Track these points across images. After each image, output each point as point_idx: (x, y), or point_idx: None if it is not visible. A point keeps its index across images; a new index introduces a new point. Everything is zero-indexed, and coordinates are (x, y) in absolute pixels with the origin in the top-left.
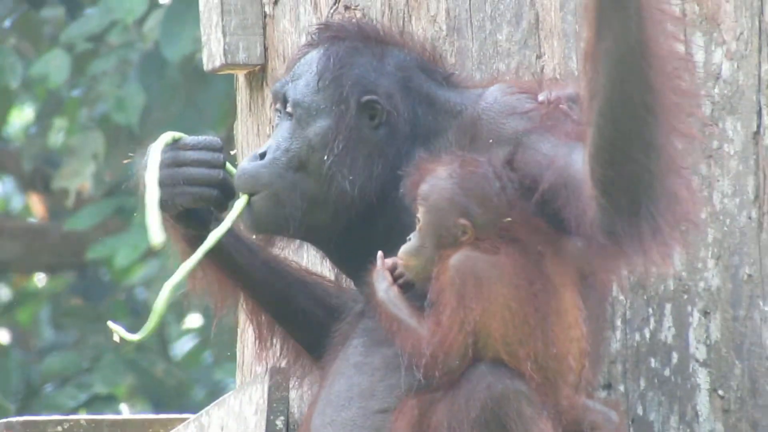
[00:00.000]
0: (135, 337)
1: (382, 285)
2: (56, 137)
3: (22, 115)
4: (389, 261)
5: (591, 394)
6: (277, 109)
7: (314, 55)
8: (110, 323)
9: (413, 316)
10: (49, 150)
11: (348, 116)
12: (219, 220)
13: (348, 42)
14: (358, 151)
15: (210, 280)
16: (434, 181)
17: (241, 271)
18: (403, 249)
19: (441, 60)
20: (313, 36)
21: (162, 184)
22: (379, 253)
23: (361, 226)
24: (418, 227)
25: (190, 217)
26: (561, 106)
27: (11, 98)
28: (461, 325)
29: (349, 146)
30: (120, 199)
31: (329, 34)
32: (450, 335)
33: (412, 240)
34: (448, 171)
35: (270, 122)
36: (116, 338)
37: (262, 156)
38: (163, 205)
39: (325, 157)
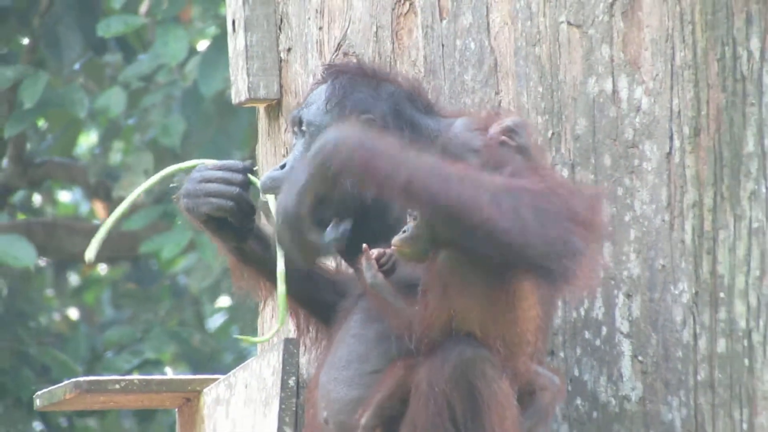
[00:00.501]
0: (86, 255)
1: (369, 273)
2: (115, 156)
3: (89, 139)
4: (374, 252)
5: (541, 361)
6: (294, 132)
7: (322, 87)
8: (237, 336)
9: (397, 297)
10: (109, 167)
11: None
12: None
13: (349, 75)
14: None
15: (245, 276)
16: None
17: (266, 266)
18: (399, 238)
19: (423, 92)
20: (321, 74)
21: (188, 195)
22: (365, 245)
23: (360, 223)
24: (414, 221)
25: (220, 228)
26: (502, 138)
27: (80, 126)
28: (445, 309)
29: None
30: (165, 205)
31: (334, 71)
32: (435, 316)
33: (408, 231)
34: None
35: (285, 145)
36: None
37: (283, 167)
38: (190, 212)
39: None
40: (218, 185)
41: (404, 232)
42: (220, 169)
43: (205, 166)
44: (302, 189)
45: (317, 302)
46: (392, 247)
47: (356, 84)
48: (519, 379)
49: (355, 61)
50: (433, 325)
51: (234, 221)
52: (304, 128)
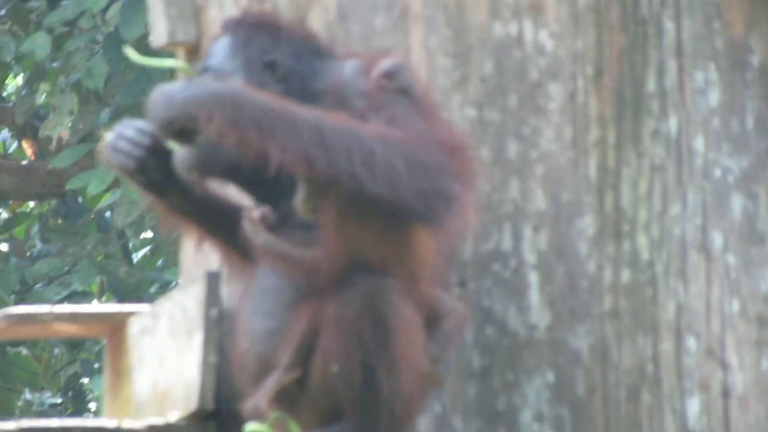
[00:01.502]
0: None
1: (259, 236)
2: (41, 98)
3: (15, 82)
4: (257, 212)
5: (445, 289)
6: None
7: (224, 38)
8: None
9: (294, 247)
10: (36, 107)
11: (255, 74)
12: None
13: (248, 24)
14: None
15: (164, 217)
16: None
17: (185, 209)
18: (299, 200)
19: (316, 37)
20: (221, 28)
21: (107, 147)
22: (246, 207)
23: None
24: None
25: (137, 180)
26: (381, 82)
27: (7, 69)
28: (344, 246)
29: None
30: (90, 144)
31: (232, 23)
32: (336, 254)
33: (301, 192)
34: None
35: None
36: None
37: None
38: (108, 162)
39: None
40: (127, 144)
41: (300, 193)
42: (135, 129)
43: (128, 123)
44: (175, 107)
45: (228, 232)
46: (297, 208)
47: (257, 31)
48: (423, 305)
49: (254, 12)
50: (336, 263)
51: (145, 178)
52: (210, 76)
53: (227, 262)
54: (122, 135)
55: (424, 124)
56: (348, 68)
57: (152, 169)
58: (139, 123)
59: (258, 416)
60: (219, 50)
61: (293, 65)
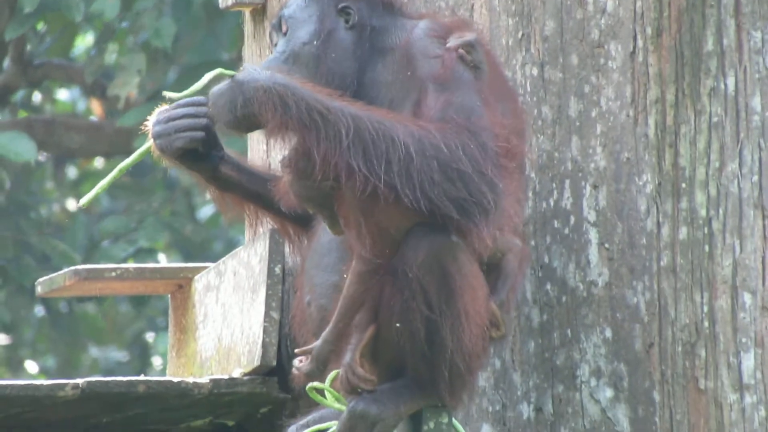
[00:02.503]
0: (81, 203)
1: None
2: (110, 57)
3: (85, 41)
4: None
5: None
6: (273, 45)
7: None
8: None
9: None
10: (104, 67)
11: (328, 19)
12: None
13: None
14: (336, 45)
15: (229, 204)
16: (296, 166)
17: (245, 189)
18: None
19: None
20: None
21: (160, 136)
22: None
23: None
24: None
25: (194, 161)
26: (460, 51)
27: (77, 28)
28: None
29: (330, 40)
30: (157, 103)
31: None
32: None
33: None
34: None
35: (269, 47)
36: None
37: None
38: (164, 150)
39: (314, 46)
40: (187, 120)
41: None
42: (184, 106)
43: (168, 107)
44: (231, 106)
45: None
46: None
47: None
48: (484, 253)
49: None
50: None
51: (204, 151)
52: (284, 27)
53: (283, 233)
54: (174, 115)
55: (480, 111)
56: (421, 29)
57: (209, 143)
58: (181, 101)
59: (315, 376)
60: (293, 1)
61: (366, 15)
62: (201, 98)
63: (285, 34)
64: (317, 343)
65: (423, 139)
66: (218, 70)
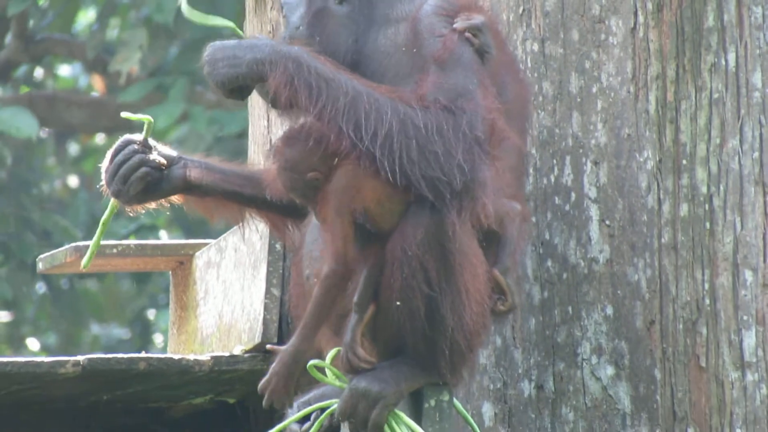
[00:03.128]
0: (82, 265)
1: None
2: (112, 32)
3: (87, 16)
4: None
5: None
6: (283, 16)
7: None
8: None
9: None
10: (106, 42)
11: None
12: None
13: None
14: (327, 22)
15: (198, 206)
16: (283, 156)
17: (213, 189)
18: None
19: None
20: None
21: (117, 194)
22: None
23: None
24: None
25: (159, 187)
26: (467, 34)
27: (78, 4)
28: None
29: (321, 18)
30: (159, 78)
31: None
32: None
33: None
34: (289, 144)
35: (270, 22)
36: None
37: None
38: (130, 202)
39: (304, 29)
40: (124, 168)
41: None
42: (118, 152)
43: (105, 163)
44: (243, 65)
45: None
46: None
47: None
48: (487, 219)
49: None
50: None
51: (161, 174)
52: (283, 12)
53: (271, 225)
54: (114, 170)
55: (471, 93)
56: (430, 5)
57: (159, 179)
58: (109, 153)
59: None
60: None
61: None
62: (125, 138)
63: (285, 18)
64: (284, 348)
65: (406, 119)
66: (231, 24)
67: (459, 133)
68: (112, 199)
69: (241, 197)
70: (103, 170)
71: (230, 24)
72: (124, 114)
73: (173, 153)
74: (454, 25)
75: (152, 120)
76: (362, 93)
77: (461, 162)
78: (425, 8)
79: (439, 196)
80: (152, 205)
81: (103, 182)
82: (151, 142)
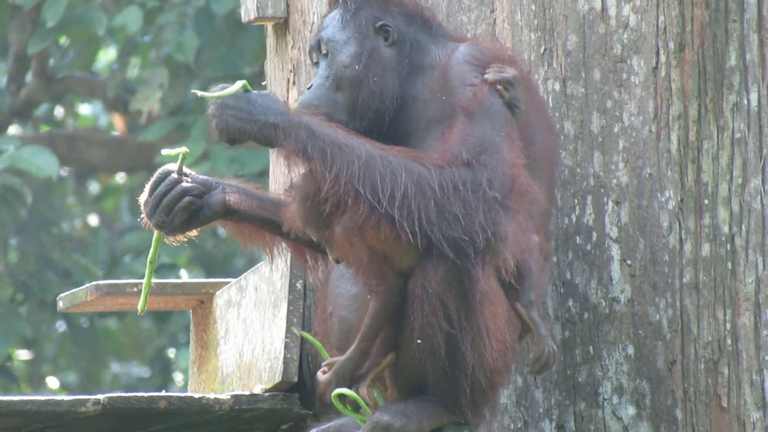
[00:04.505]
0: (139, 310)
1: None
2: (132, 71)
3: (107, 55)
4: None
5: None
6: (314, 59)
7: (335, 11)
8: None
9: None
10: (127, 81)
11: (368, 39)
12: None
13: None
14: (378, 65)
15: (234, 231)
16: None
17: (250, 216)
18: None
19: (429, 14)
20: (331, 1)
21: (161, 226)
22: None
23: (379, 127)
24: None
25: (200, 214)
26: (498, 87)
27: (99, 42)
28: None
29: (372, 61)
30: (180, 117)
31: None
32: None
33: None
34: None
35: (291, 61)
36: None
37: (309, 88)
38: (174, 233)
39: (356, 70)
40: (168, 198)
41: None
42: (157, 184)
43: (144, 196)
44: (246, 122)
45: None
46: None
47: (366, 3)
48: (507, 270)
49: None
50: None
51: (202, 200)
52: (324, 50)
53: (299, 257)
54: (155, 202)
55: (495, 147)
56: (461, 53)
57: (199, 196)
58: (148, 185)
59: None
60: (330, 22)
61: (404, 31)
62: (163, 170)
63: (326, 56)
64: (341, 358)
65: (422, 180)
66: (244, 82)
67: (479, 192)
68: (155, 233)
69: (274, 225)
70: (142, 204)
71: (242, 83)
72: (164, 151)
73: (210, 178)
74: (486, 77)
75: (188, 151)
76: (375, 156)
77: (482, 221)
78: (456, 56)
79: (462, 254)
80: (193, 234)
81: (144, 216)
82: (185, 170)
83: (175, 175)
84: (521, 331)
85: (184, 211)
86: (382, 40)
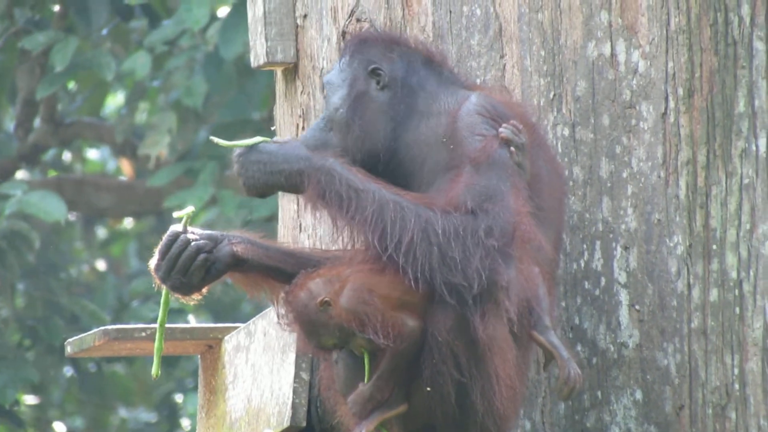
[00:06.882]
0: (153, 374)
1: None
2: (141, 116)
3: (116, 100)
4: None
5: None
6: (324, 97)
7: (343, 55)
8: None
9: None
10: (135, 126)
11: (358, 82)
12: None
13: (363, 38)
14: (367, 107)
15: (240, 281)
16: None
17: (257, 265)
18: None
19: (442, 60)
20: (342, 44)
21: (178, 288)
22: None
23: (374, 167)
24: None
25: (205, 278)
26: (511, 149)
27: (107, 87)
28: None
29: (359, 103)
30: (188, 162)
31: (354, 40)
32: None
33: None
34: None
35: (300, 106)
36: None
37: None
38: (190, 293)
39: (344, 112)
40: (184, 256)
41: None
42: (167, 250)
43: (155, 260)
44: (272, 174)
45: None
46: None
47: (369, 44)
48: (511, 321)
49: (367, 26)
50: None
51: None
52: (324, 91)
53: None
54: (170, 265)
55: (500, 196)
56: (472, 103)
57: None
58: (160, 248)
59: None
60: (335, 65)
61: (401, 75)
62: (173, 231)
63: (326, 97)
64: (359, 391)
65: (428, 225)
66: (262, 138)
67: (476, 238)
68: (164, 295)
69: (282, 274)
70: (153, 269)
71: (260, 139)
72: (175, 214)
73: (214, 233)
74: (500, 132)
75: (194, 209)
76: (389, 202)
77: (479, 267)
78: (467, 105)
79: (461, 300)
80: (206, 290)
81: (157, 280)
82: (189, 228)
83: (186, 236)
84: (544, 359)
85: (200, 269)
86: (374, 84)
